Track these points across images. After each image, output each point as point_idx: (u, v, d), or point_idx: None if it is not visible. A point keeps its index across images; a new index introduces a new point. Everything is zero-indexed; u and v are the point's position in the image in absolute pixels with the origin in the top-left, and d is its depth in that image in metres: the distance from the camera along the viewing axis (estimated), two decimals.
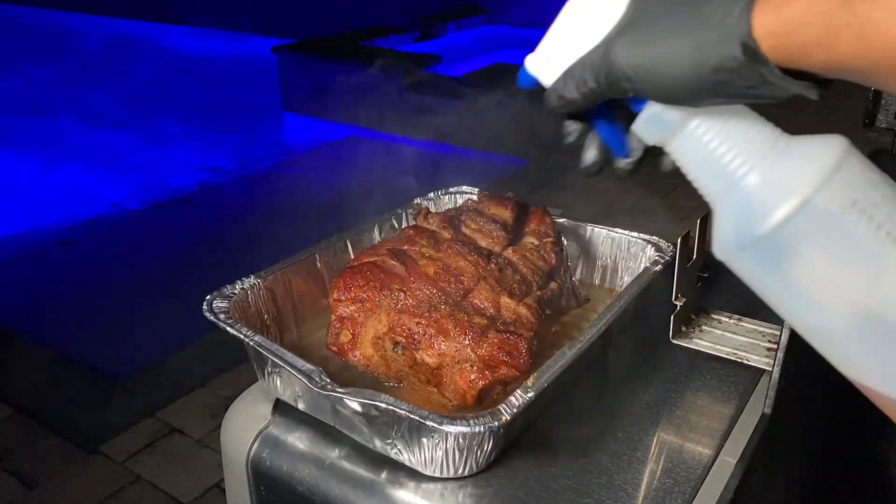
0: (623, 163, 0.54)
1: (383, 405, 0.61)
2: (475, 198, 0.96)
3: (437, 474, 0.68)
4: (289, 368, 0.67)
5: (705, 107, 0.44)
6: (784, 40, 0.38)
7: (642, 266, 0.89)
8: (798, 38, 0.38)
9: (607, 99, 0.47)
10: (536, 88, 0.52)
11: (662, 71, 0.42)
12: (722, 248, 0.45)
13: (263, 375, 0.78)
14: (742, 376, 0.82)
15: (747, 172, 0.43)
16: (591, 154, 0.53)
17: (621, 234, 0.95)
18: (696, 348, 0.85)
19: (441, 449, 0.65)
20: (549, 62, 0.50)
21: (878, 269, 0.41)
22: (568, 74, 0.47)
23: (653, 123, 0.46)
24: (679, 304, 0.83)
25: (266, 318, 0.83)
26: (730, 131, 0.44)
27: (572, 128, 0.53)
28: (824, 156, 0.41)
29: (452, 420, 0.60)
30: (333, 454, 0.72)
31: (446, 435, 0.63)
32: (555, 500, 0.66)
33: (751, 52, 0.39)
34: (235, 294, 0.79)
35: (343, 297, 0.76)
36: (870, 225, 0.41)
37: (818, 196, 0.41)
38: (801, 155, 0.42)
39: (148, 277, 2.91)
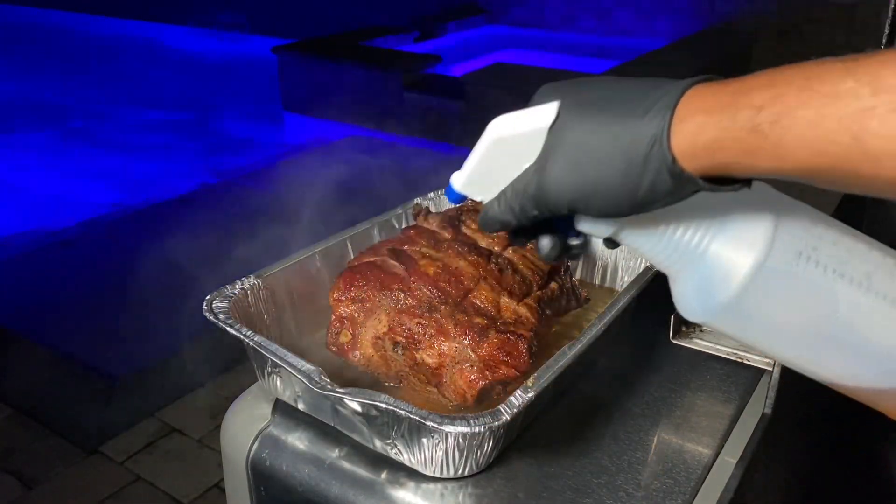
0: (574, 250, 0.56)
1: (383, 405, 0.61)
2: None
3: (437, 474, 0.68)
4: (289, 368, 0.67)
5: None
6: (704, 163, 0.41)
7: (642, 266, 0.89)
8: (717, 160, 0.41)
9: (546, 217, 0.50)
10: (465, 201, 0.54)
11: (598, 199, 0.45)
12: (692, 314, 0.50)
13: (263, 375, 0.78)
14: (742, 376, 0.82)
15: (702, 251, 0.47)
16: (550, 252, 0.54)
17: None
18: (696, 348, 0.85)
19: (441, 449, 0.65)
20: (477, 184, 0.51)
21: (834, 303, 0.46)
22: (504, 202, 0.50)
23: (597, 223, 0.49)
24: None
25: (266, 318, 0.83)
26: (673, 219, 0.48)
27: (521, 239, 0.55)
28: (760, 224, 0.46)
29: (452, 420, 0.60)
30: (333, 454, 0.72)
31: (446, 435, 0.63)
32: (555, 501, 0.66)
33: (677, 175, 0.42)
34: (235, 294, 0.79)
35: (343, 297, 0.76)
36: (817, 268, 0.45)
37: (769, 260, 0.45)
38: (740, 224, 0.46)
39: (148, 277, 2.90)
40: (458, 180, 0.52)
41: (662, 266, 0.51)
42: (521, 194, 0.49)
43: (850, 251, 0.47)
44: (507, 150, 0.48)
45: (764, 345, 0.51)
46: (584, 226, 0.50)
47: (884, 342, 0.47)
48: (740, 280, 0.46)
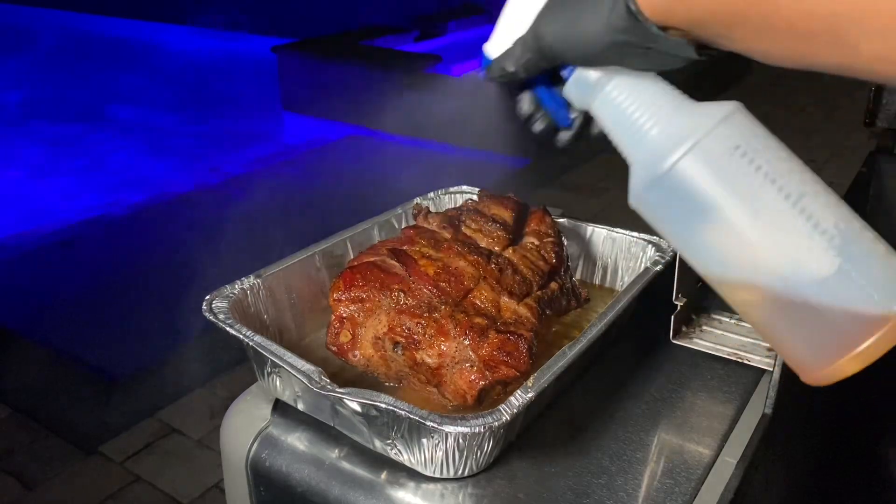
0: (564, 134, 0.62)
1: (383, 405, 0.61)
2: (475, 198, 0.96)
3: (437, 475, 0.68)
4: (288, 368, 0.67)
5: (620, 69, 0.52)
6: (658, 6, 0.46)
7: (642, 266, 0.89)
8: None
9: (541, 69, 0.55)
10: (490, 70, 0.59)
11: (575, 37, 0.51)
12: (632, 195, 0.53)
13: (263, 375, 0.78)
14: (742, 376, 0.82)
15: (652, 126, 0.51)
16: (538, 124, 0.61)
17: (621, 234, 0.95)
18: (697, 348, 0.85)
19: (441, 449, 0.65)
20: (500, 45, 0.57)
21: (756, 204, 0.48)
22: (508, 50, 0.56)
23: (577, 86, 0.55)
24: (679, 304, 0.83)
25: (266, 318, 0.83)
26: (639, 94, 0.52)
27: (524, 100, 0.61)
28: (714, 110, 0.49)
29: (452, 420, 0.60)
30: (333, 454, 0.72)
31: (446, 435, 0.63)
32: (555, 501, 0.66)
33: (632, 12, 0.47)
34: (235, 294, 0.79)
35: (343, 297, 0.76)
36: (750, 166, 0.48)
37: (706, 140, 0.48)
38: (696, 111, 0.50)
39: (147, 277, 2.91)
40: (488, 45, 0.57)
41: (622, 148, 0.54)
42: (520, 44, 0.54)
43: (794, 172, 0.48)
44: (522, 9, 0.54)
45: (683, 239, 0.53)
46: (568, 90, 0.55)
47: (792, 260, 0.48)
48: (677, 153, 0.49)
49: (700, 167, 0.49)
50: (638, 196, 0.53)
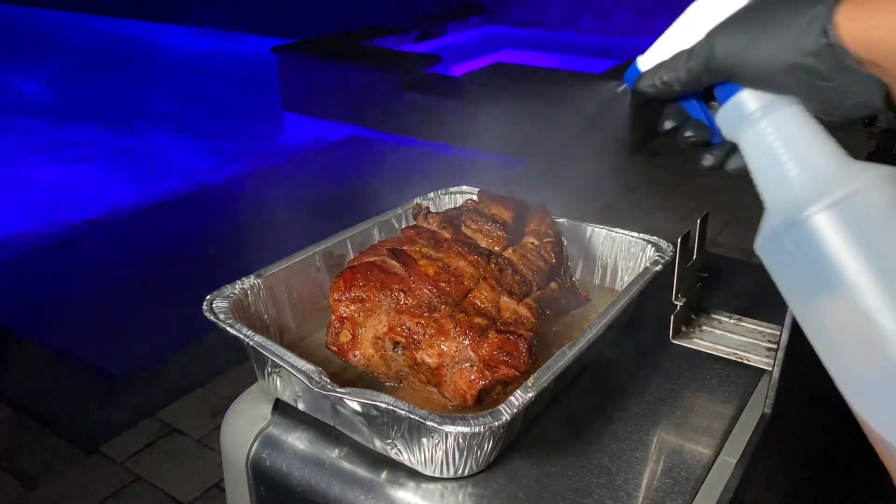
0: (708, 158, 0.56)
1: (383, 405, 0.61)
2: (475, 198, 0.96)
3: (437, 474, 0.68)
4: (289, 368, 0.67)
5: (783, 105, 0.48)
6: (861, 34, 0.42)
7: (642, 266, 0.89)
8: (873, 33, 0.41)
9: (702, 84, 0.51)
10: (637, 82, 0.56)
11: (754, 52, 0.46)
12: (759, 238, 0.48)
13: (263, 375, 0.78)
14: (742, 376, 0.82)
15: (800, 172, 0.46)
16: (689, 133, 0.56)
17: (621, 234, 0.95)
18: (696, 348, 0.85)
19: (441, 449, 0.65)
20: (656, 57, 0.54)
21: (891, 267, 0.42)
22: (666, 62, 0.52)
23: (733, 112, 0.50)
24: (679, 304, 0.83)
25: (266, 318, 0.83)
26: (797, 136, 0.47)
27: (670, 114, 0.57)
28: (876, 170, 0.44)
29: (452, 420, 0.60)
30: (333, 454, 0.72)
31: (446, 435, 0.63)
32: (555, 500, 0.66)
33: (828, 35, 0.43)
34: (235, 294, 0.79)
35: (343, 297, 0.76)
36: None
37: (860, 195, 0.43)
38: (855, 166, 0.45)
39: (148, 277, 2.91)
40: (642, 58, 0.54)
41: (764, 192, 0.49)
42: (684, 55, 0.51)
43: None
44: (689, 25, 0.51)
45: (796, 291, 0.47)
46: (723, 115, 0.51)
47: None
48: (820, 202, 0.44)
49: (844, 223, 0.43)
50: (765, 240, 0.48)
